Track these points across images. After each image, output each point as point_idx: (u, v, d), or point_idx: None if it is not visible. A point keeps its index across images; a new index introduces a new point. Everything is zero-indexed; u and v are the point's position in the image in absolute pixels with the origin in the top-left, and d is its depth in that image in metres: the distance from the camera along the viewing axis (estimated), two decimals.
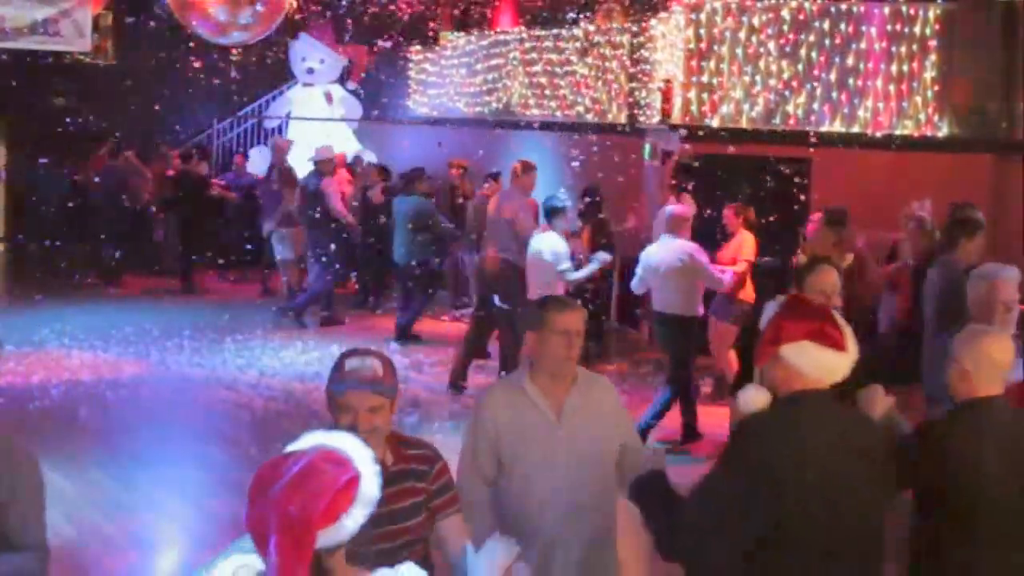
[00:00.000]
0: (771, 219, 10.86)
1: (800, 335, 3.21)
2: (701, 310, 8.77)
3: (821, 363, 3.21)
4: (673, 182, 10.82)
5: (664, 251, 8.66)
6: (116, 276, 14.99)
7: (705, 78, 12.29)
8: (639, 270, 8.82)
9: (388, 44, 17.80)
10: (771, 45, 12.15)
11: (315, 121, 17.86)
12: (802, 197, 11.56)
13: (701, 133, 12.05)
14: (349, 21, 18.04)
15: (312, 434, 2.48)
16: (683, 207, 9.20)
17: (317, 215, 12.41)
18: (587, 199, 11.32)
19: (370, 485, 2.41)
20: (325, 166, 12.68)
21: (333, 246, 12.53)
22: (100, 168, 15.74)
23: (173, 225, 15.60)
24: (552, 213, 9.31)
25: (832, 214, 8.22)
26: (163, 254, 15.96)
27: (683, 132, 12.07)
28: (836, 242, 8.27)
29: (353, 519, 2.36)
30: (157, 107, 17.22)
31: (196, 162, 15.51)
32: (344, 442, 2.44)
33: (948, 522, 3.63)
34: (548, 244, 9.12)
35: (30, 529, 3.36)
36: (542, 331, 4.05)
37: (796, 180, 11.73)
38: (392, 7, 17.06)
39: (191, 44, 14.93)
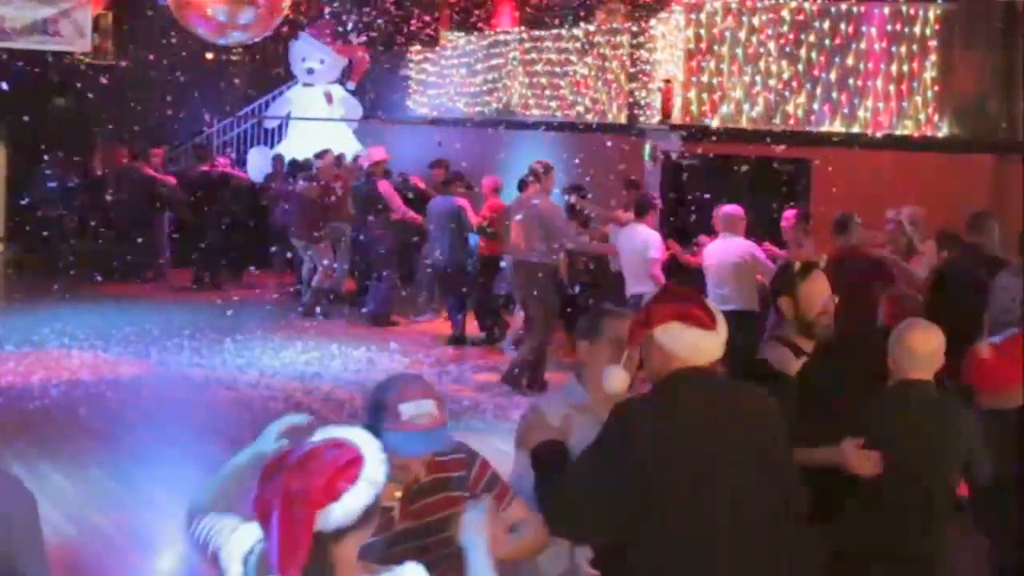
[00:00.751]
0: (770, 219, 10.85)
1: (669, 317, 3.32)
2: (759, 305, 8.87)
3: (690, 342, 3.29)
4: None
5: (725, 248, 8.96)
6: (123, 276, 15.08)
7: (705, 78, 12.29)
8: (705, 265, 9.16)
9: (387, 51, 17.81)
10: (771, 45, 12.15)
11: (315, 121, 17.87)
12: (802, 198, 11.56)
13: (701, 133, 12.06)
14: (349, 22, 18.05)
15: (326, 428, 2.52)
16: (735, 207, 9.33)
17: (372, 217, 12.63)
18: (573, 195, 11.49)
19: (375, 468, 2.44)
20: (379, 168, 12.93)
21: (383, 248, 12.76)
22: (115, 168, 15.79)
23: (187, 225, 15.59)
24: (649, 207, 9.63)
25: (838, 219, 8.44)
26: (160, 255, 15.97)
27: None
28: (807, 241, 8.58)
29: (354, 498, 2.39)
30: (157, 107, 17.23)
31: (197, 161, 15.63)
32: (352, 433, 2.49)
33: (861, 488, 3.98)
34: (654, 238, 9.46)
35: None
36: (597, 340, 3.81)
37: (796, 180, 11.74)
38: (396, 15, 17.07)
39: (191, 44, 14.95)
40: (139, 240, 15.33)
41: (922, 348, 4.11)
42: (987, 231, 7.79)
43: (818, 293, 4.35)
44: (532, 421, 3.70)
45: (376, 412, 3.00)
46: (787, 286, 4.39)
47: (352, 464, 2.41)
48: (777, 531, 3.28)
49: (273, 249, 15.38)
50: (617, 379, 3.52)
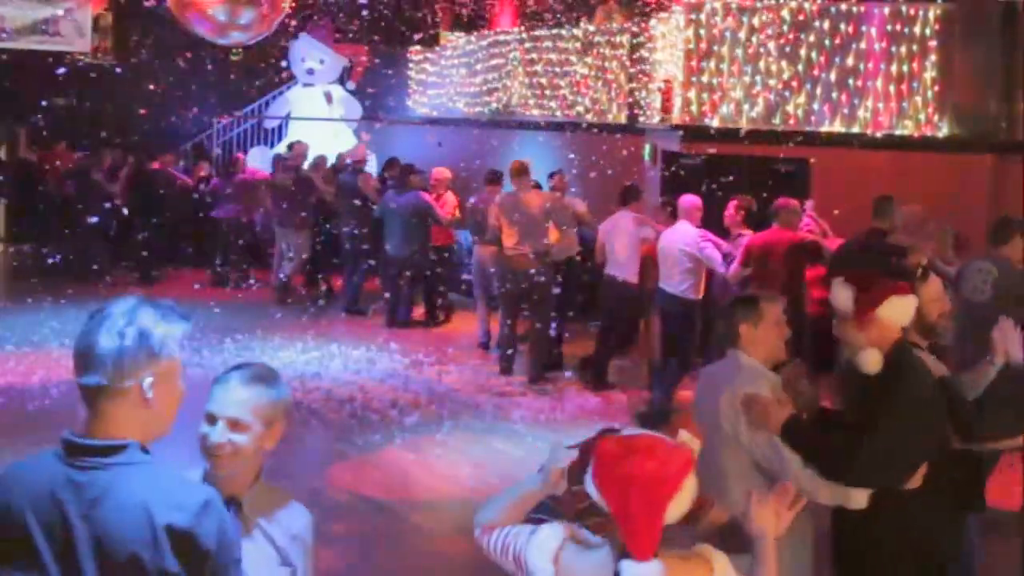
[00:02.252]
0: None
1: (890, 292, 3.97)
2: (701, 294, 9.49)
3: (909, 309, 4.01)
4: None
5: (676, 235, 9.37)
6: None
7: (705, 78, 12.28)
8: (658, 247, 9.59)
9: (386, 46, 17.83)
10: (771, 45, 12.14)
11: (315, 121, 17.87)
12: (802, 197, 11.53)
13: (701, 133, 12.06)
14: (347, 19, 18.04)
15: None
16: (694, 196, 9.71)
17: (355, 209, 13.17)
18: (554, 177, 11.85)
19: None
20: (363, 163, 13.88)
21: (365, 244, 13.20)
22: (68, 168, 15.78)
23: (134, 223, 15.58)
24: (634, 196, 10.26)
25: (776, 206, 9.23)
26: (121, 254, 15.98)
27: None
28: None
29: (690, 491, 2.54)
30: (157, 107, 17.23)
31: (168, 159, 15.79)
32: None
33: None
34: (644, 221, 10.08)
35: None
36: (761, 322, 4.16)
37: (796, 180, 11.73)
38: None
39: (191, 44, 14.95)
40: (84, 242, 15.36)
41: None
42: (888, 216, 8.36)
43: (937, 296, 4.61)
44: (759, 409, 4.02)
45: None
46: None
47: (689, 459, 2.57)
48: None
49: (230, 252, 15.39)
50: (873, 360, 3.97)
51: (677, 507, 2.53)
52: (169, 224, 15.51)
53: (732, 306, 4.34)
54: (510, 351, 10.68)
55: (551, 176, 11.46)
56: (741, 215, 9.72)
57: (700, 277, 9.37)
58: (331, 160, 15.19)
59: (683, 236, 9.32)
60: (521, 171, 10.57)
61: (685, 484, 2.54)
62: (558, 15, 15.41)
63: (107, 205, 15.01)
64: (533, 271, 10.25)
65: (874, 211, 8.48)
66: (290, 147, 14.90)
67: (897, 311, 3.97)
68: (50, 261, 14.55)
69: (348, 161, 14.18)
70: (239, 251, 15.11)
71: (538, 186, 11.29)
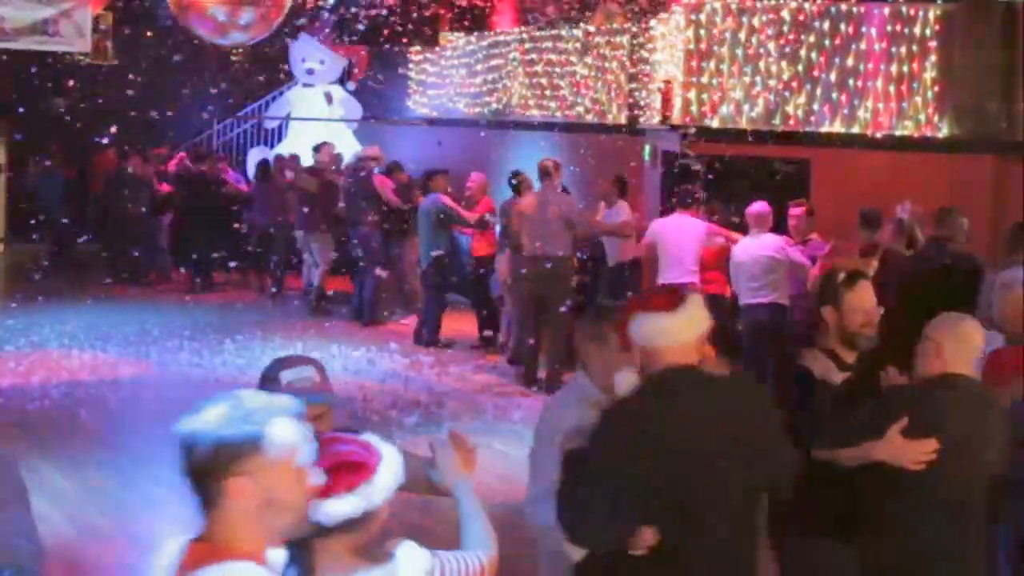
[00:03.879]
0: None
1: (633, 309, 3.44)
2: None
3: (651, 327, 3.35)
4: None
5: (756, 245, 9.25)
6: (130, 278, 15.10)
7: (705, 78, 12.28)
8: (737, 261, 9.38)
9: (387, 46, 17.82)
10: (771, 46, 12.13)
11: (315, 121, 17.87)
12: (802, 198, 11.53)
13: (701, 133, 12.06)
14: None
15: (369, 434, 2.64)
16: (762, 204, 9.57)
17: (359, 213, 12.92)
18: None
19: (377, 487, 2.49)
20: (371, 163, 13.47)
21: (372, 246, 12.98)
22: (108, 170, 15.81)
23: (183, 225, 15.56)
24: (692, 200, 10.18)
25: (865, 216, 8.64)
26: (160, 256, 15.99)
27: None
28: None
29: (343, 503, 2.44)
30: (156, 108, 17.22)
31: (212, 162, 15.76)
32: (387, 449, 2.57)
33: (897, 486, 3.84)
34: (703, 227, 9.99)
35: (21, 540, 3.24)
36: (605, 346, 3.74)
37: (796, 180, 11.73)
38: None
39: (191, 44, 14.96)
40: (137, 243, 15.36)
41: (980, 343, 3.99)
42: (953, 226, 8.07)
43: (862, 305, 4.20)
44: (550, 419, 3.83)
45: (262, 386, 3.12)
46: (831, 296, 4.24)
47: (358, 469, 2.47)
48: (754, 519, 3.44)
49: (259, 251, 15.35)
50: (630, 384, 3.49)
51: (333, 508, 2.45)
52: (214, 229, 15.19)
53: (590, 313, 3.95)
54: (530, 362, 10.35)
55: (614, 182, 11.31)
56: (809, 219, 9.57)
57: (786, 283, 9.24)
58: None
59: (767, 244, 9.21)
60: (545, 172, 10.45)
61: (353, 491, 2.46)
62: (565, 15, 15.35)
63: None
64: (551, 277, 10.11)
65: (935, 221, 8.24)
66: (316, 149, 14.65)
67: (645, 330, 3.35)
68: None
69: (353, 161, 13.93)
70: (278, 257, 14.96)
71: (566, 190, 11.17)
